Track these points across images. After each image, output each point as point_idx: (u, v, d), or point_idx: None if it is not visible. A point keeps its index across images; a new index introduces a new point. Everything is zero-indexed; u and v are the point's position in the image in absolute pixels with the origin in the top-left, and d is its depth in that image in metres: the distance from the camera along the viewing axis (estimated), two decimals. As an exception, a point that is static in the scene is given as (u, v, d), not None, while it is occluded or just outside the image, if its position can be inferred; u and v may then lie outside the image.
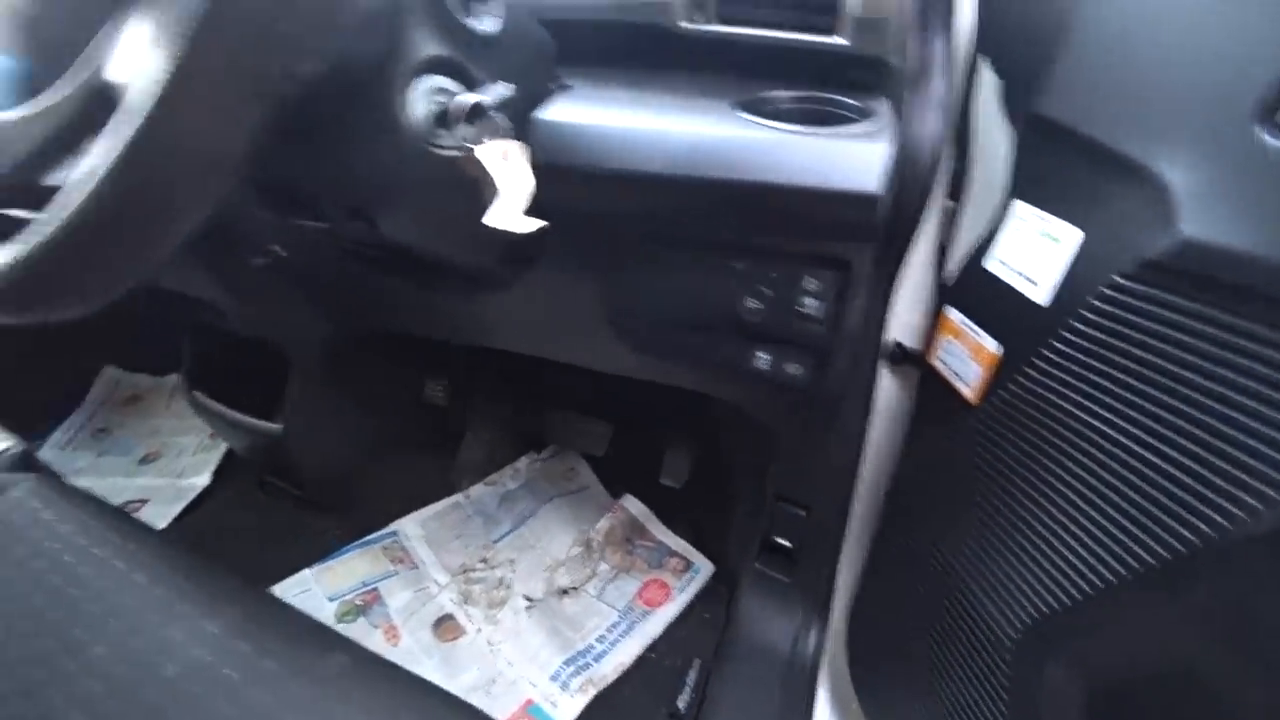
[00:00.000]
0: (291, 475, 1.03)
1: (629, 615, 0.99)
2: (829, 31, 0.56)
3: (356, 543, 1.04)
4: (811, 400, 0.69)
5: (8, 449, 0.67)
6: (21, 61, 0.40)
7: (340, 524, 1.04)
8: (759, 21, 0.56)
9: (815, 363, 0.64)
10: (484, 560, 1.04)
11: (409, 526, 1.06)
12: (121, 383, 1.41)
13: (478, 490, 1.16)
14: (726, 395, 0.74)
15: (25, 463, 0.68)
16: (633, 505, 1.09)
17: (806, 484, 0.84)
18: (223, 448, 1.26)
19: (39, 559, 0.48)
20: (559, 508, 1.12)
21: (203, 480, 1.20)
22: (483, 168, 0.46)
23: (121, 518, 0.57)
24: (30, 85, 0.38)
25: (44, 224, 0.29)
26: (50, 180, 0.36)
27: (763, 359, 0.66)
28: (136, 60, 0.31)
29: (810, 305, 0.61)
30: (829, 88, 0.57)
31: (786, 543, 0.88)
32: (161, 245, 0.32)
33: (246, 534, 1.08)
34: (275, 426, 0.92)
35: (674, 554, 1.06)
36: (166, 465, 1.26)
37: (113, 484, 1.22)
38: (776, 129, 0.51)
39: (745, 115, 0.53)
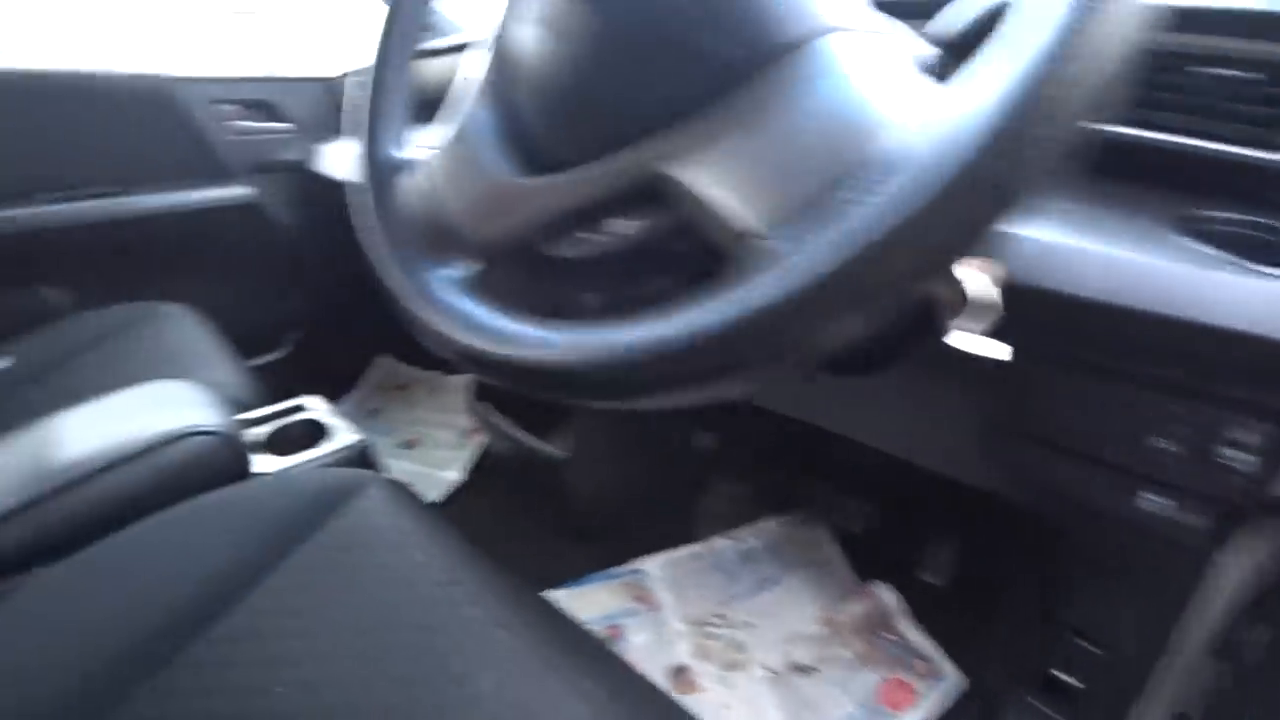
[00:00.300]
0: (560, 500, 1.07)
1: (870, 712, 0.93)
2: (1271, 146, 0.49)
3: (602, 573, 1.05)
4: (1181, 545, 0.60)
5: (351, 445, 0.73)
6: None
7: (587, 552, 1.07)
8: (1190, 130, 0.50)
9: (1221, 514, 0.56)
10: (721, 616, 1.02)
11: (654, 567, 1.06)
12: (393, 372, 1.57)
13: (720, 543, 1.14)
14: (1063, 519, 0.67)
15: (363, 458, 0.75)
16: (884, 594, 1.02)
17: (1113, 623, 0.74)
18: (476, 447, 1.35)
19: (402, 575, 0.46)
20: (802, 579, 1.07)
21: (456, 475, 1.29)
22: (958, 285, 0.43)
23: (461, 538, 0.55)
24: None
25: (755, 287, 0.26)
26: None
27: (1152, 501, 0.58)
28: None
29: (1233, 456, 0.52)
30: (1265, 210, 0.50)
31: (1073, 681, 0.78)
32: (869, 319, 0.27)
33: (492, 538, 1.15)
34: (558, 452, 0.96)
35: (922, 656, 0.98)
36: (424, 454, 1.37)
37: (378, 465, 1.35)
38: (1230, 262, 0.44)
39: (1189, 241, 0.47)
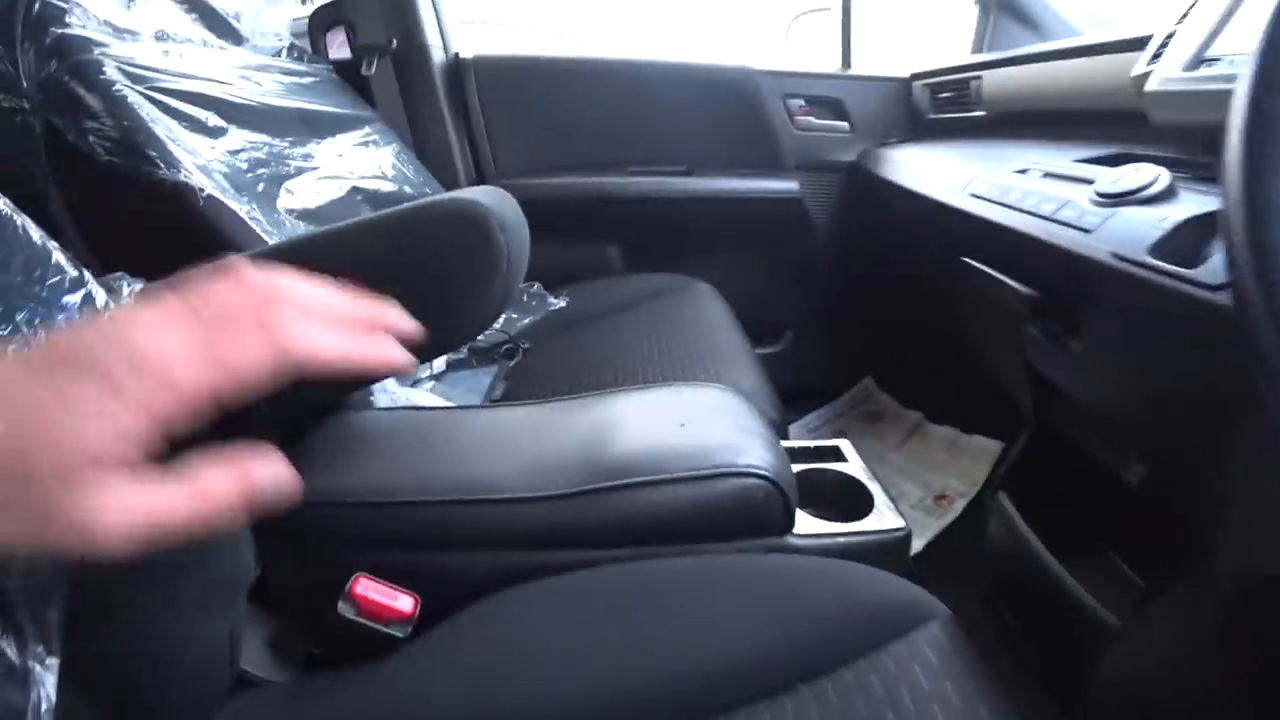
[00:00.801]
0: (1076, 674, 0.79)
1: None
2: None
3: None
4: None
5: (896, 532, 0.57)
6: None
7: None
8: None
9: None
10: None
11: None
12: (870, 397, 1.44)
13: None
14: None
15: (901, 549, 0.59)
16: None
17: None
18: (943, 523, 1.13)
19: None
20: None
21: (918, 544, 1.09)
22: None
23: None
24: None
25: None
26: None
27: None
28: None
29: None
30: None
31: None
32: None
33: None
34: (1110, 618, 0.69)
35: None
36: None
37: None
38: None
39: None
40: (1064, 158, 0.82)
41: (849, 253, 1.32)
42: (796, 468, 0.58)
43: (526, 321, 1.02)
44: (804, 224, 1.29)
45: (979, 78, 1.13)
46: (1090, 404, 0.72)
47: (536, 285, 1.11)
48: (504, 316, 0.96)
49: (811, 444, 0.63)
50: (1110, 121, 0.81)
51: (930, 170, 0.98)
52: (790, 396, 1.39)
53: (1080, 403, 0.73)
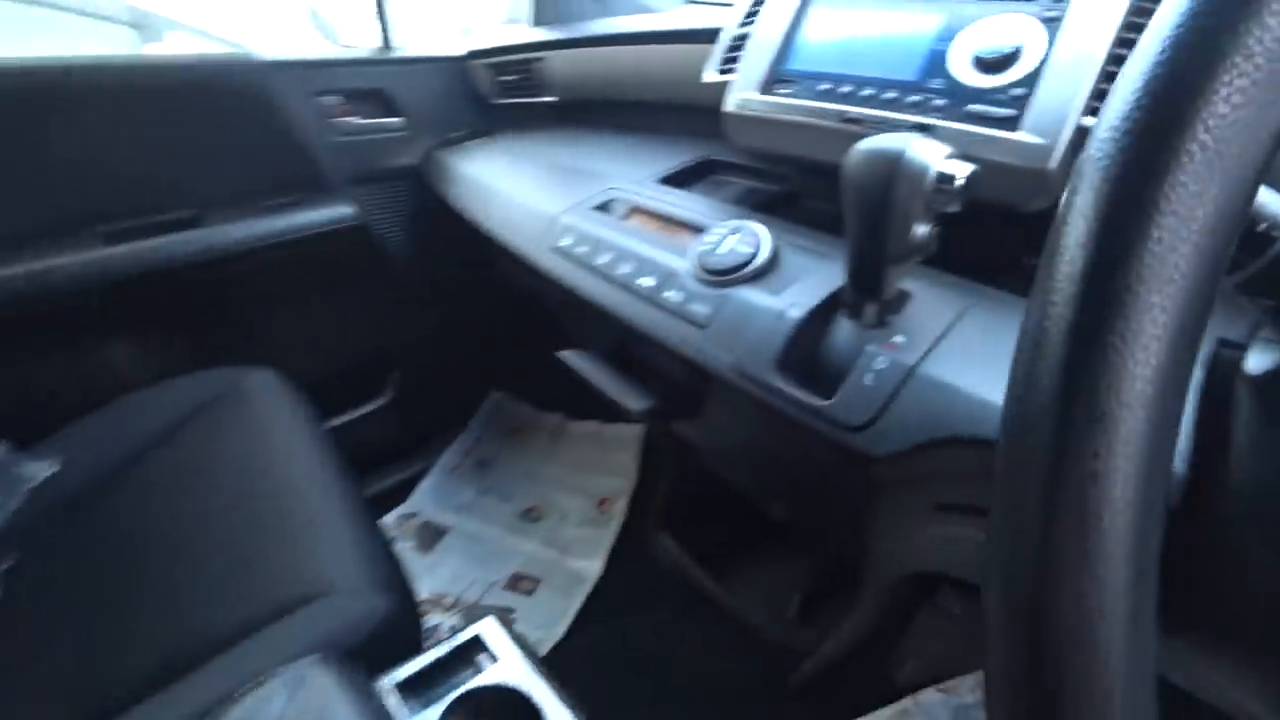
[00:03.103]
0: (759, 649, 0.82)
1: None
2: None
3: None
4: None
5: None
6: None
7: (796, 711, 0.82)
8: None
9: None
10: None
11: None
12: (508, 412, 1.33)
13: (929, 697, 0.87)
14: None
15: None
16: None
17: None
18: (613, 530, 1.10)
19: None
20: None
21: (594, 566, 1.05)
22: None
23: None
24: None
25: None
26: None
27: None
28: None
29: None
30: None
31: None
32: None
33: (658, 660, 0.90)
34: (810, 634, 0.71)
35: None
36: (551, 531, 1.12)
37: (496, 537, 1.12)
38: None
39: None
40: (646, 168, 0.76)
41: (438, 271, 1.14)
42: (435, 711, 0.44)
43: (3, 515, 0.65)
44: (373, 252, 1.05)
45: (541, 59, 1.02)
46: (722, 465, 0.72)
47: (2, 445, 0.71)
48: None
49: (444, 648, 0.48)
50: (687, 115, 0.77)
51: (505, 195, 0.84)
52: (415, 440, 1.23)
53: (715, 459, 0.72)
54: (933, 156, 0.37)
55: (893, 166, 0.37)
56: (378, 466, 1.20)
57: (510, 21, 1.24)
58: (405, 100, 1.05)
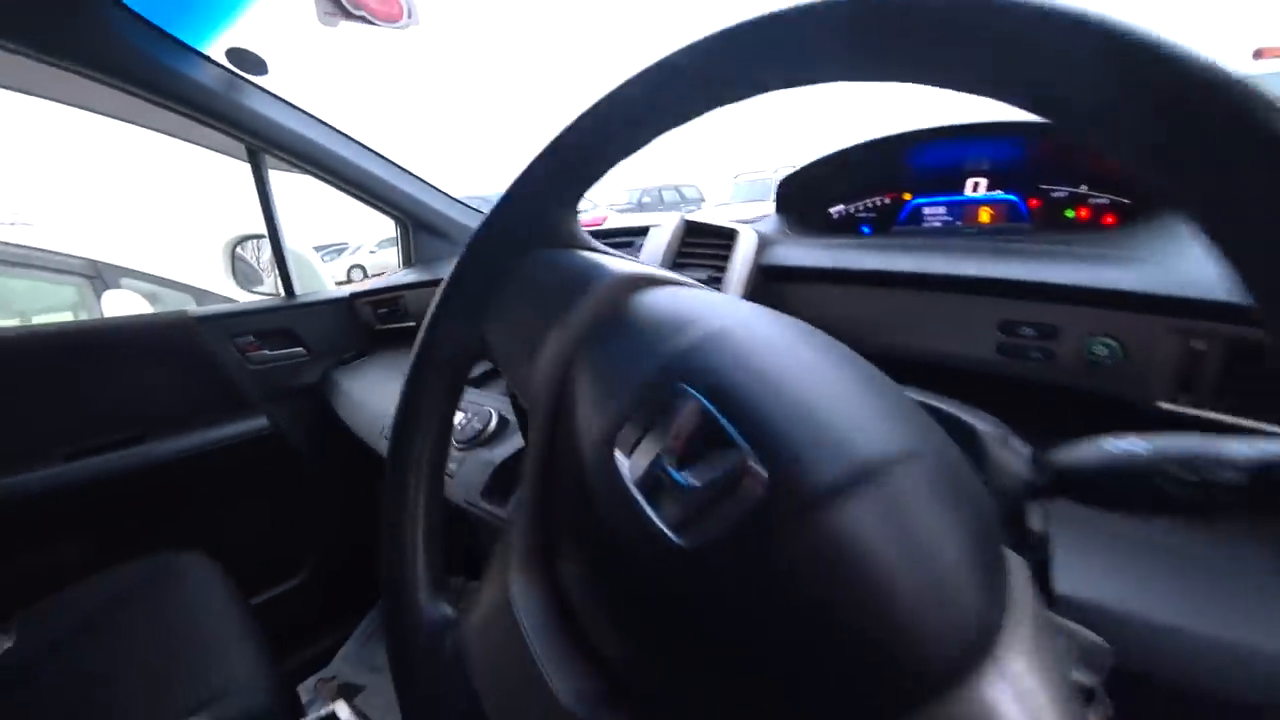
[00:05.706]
0: None
1: None
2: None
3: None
4: None
5: None
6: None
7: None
8: (1254, 410, 0.47)
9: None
10: None
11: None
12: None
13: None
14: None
15: None
16: None
17: None
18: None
19: None
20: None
21: None
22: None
23: None
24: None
25: None
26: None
27: None
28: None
29: None
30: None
31: None
32: None
33: None
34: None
35: None
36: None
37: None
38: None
39: None
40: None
41: (341, 466, 1.43)
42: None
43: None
44: (286, 454, 1.36)
45: (402, 296, 1.40)
46: None
47: (-34, 627, 0.94)
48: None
49: None
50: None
51: (365, 403, 1.17)
52: (333, 612, 1.44)
53: None
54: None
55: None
56: (298, 637, 1.41)
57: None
58: (305, 333, 1.40)
